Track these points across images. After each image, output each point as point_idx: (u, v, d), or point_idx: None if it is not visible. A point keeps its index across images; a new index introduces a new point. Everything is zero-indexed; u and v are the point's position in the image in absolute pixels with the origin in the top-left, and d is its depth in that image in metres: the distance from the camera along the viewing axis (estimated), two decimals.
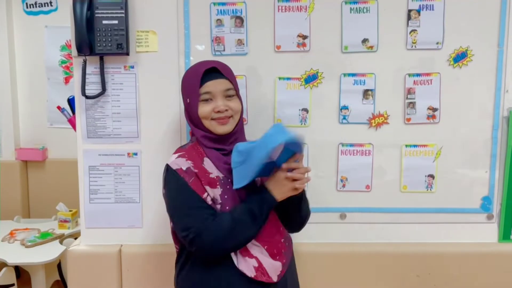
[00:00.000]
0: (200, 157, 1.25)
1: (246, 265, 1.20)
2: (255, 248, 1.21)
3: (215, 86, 1.23)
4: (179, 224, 1.22)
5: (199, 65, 1.27)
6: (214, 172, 1.23)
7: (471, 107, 1.54)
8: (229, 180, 1.22)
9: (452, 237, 1.59)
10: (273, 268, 1.22)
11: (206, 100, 1.23)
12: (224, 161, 1.25)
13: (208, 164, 1.24)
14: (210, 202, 1.20)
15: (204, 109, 1.22)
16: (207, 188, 1.21)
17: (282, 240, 1.27)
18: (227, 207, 1.21)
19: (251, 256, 1.20)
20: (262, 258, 1.21)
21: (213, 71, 1.24)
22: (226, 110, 1.22)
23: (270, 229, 1.24)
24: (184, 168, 1.21)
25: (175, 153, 1.27)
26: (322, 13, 1.51)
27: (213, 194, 1.21)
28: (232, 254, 1.20)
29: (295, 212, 1.28)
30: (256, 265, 1.20)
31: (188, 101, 1.26)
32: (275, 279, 1.22)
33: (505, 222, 1.58)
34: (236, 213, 1.18)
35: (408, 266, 1.58)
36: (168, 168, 1.23)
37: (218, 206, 1.21)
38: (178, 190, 1.21)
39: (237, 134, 1.28)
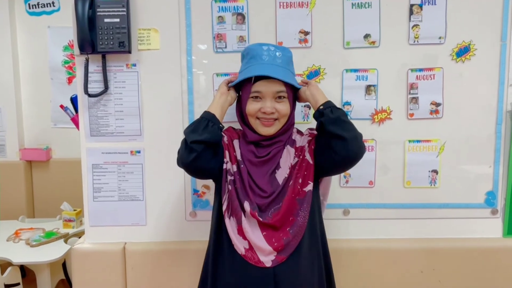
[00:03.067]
0: (236, 137, 1.31)
1: (238, 243, 1.22)
2: (252, 233, 1.21)
3: (267, 87, 1.21)
4: None
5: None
6: (238, 153, 1.28)
7: (474, 102, 1.53)
8: (245, 167, 1.25)
9: (456, 232, 1.58)
10: (264, 253, 1.20)
11: (256, 97, 1.23)
12: (251, 150, 1.27)
13: (236, 144, 1.30)
14: (225, 166, 1.26)
15: (251, 107, 1.23)
16: (227, 161, 1.27)
17: (288, 228, 1.22)
18: (236, 186, 1.23)
19: (245, 238, 1.22)
20: (256, 241, 1.20)
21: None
22: (272, 112, 1.22)
23: (281, 217, 1.22)
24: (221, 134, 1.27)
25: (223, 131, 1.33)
26: (323, 9, 1.50)
27: (230, 167, 1.26)
28: (229, 230, 1.23)
29: (329, 130, 1.18)
30: (247, 247, 1.21)
31: (241, 93, 1.28)
32: (267, 264, 1.20)
33: (509, 217, 1.57)
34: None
35: (412, 262, 1.57)
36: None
37: (230, 178, 1.25)
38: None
39: (280, 137, 1.28)
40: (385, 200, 1.58)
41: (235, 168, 1.26)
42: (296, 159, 1.27)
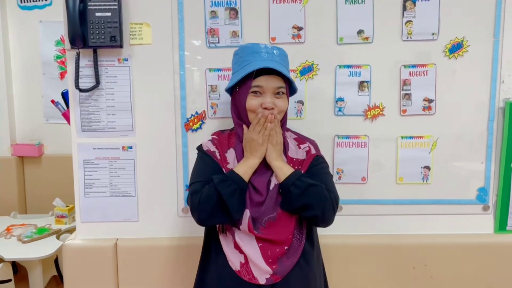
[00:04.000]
0: (228, 147, 1.28)
1: (233, 258, 1.21)
2: (249, 245, 1.20)
3: (268, 82, 1.20)
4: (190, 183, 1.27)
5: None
6: (232, 163, 1.25)
7: (466, 98, 1.54)
8: None
9: (448, 228, 1.59)
10: (260, 271, 1.19)
11: (255, 92, 1.21)
12: None
13: (230, 155, 1.26)
14: None
15: (252, 102, 1.21)
16: None
17: (286, 247, 1.21)
18: None
19: (241, 251, 1.20)
20: (253, 256, 1.19)
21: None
22: (273, 108, 1.21)
23: (276, 231, 1.20)
24: (212, 150, 1.27)
25: (212, 135, 1.34)
26: (317, 4, 1.50)
27: None
28: (224, 246, 1.22)
29: (292, 203, 1.19)
30: (243, 261, 1.20)
31: (237, 89, 1.25)
32: (261, 281, 1.18)
33: (501, 213, 1.58)
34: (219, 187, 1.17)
35: (404, 258, 1.58)
36: (199, 148, 1.30)
37: None
38: (202, 159, 1.28)
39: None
40: (377, 196, 1.58)
41: None
42: None
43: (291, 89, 1.28)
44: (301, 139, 1.34)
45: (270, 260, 1.19)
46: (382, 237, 1.59)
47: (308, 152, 1.29)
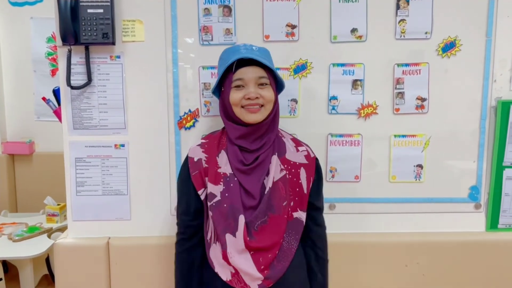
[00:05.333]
0: (219, 149, 1.26)
1: (222, 270, 1.22)
2: (240, 255, 1.19)
3: (248, 73, 1.19)
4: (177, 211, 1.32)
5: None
6: (223, 167, 1.23)
7: (459, 97, 1.54)
8: (235, 178, 1.21)
9: (440, 226, 1.60)
10: (251, 278, 1.19)
11: (238, 86, 1.20)
12: (239, 159, 1.23)
13: (222, 158, 1.24)
14: (203, 197, 1.24)
15: (235, 95, 1.20)
16: (209, 184, 1.23)
17: (277, 251, 1.22)
18: (225, 205, 1.20)
19: (229, 264, 1.20)
20: (244, 267, 1.18)
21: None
22: (257, 98, 1.19)
23: (267, 236, 1.20)
24: (195, 159, 1.25)
25: (202, 138, 1.34)
26: (311, 2, 1.49)
27: (213, 190, 1.22)
28: (212, 258, 1.24)
29: None
30: (233, 271, 1.20)
31: (223, 89, 1.24)
32: None
33: (492, 211, 1.59)
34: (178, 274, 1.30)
35: (397, 256, 1.58)
36: (188, 153, 1.29)
37: (216, 199, 1.21)
38: (181, 178, 1.29)
39: (268, 125, 1.24)
40: (370, 195, 1.59)
41: (221, 188, 1.21)
42: (285, 172, 1.24)
43: (278, 85, 1.27)
44: (297, 140, 1.34)
45: (262, 267, 1.19)
46: (374, 235, 1.59)
47: (307, 156, 1.29)
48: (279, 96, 1.31)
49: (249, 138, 1.23)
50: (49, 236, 2.39)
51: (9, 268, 2.71)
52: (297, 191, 1.25)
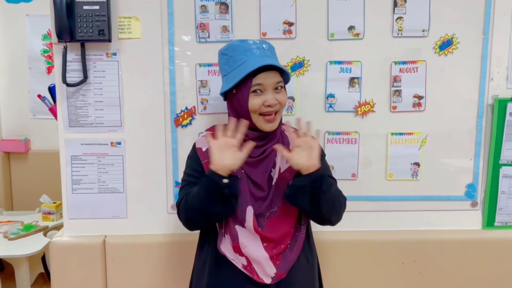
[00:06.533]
0: None
1: (236, 260, 1.19)
2: (254, 246, 1.17)
3: (267, 79, 1.16)
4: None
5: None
6: None
7: (456, 95, 1.54)
8: (242, 171, 1.19)
9: (437, 224, 1.60)
10: (264, 271, 1.17)
11: (255, 91, 1.16)
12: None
13: None
14: None
15: (255, 102, 1.15)
16: None
17: (289, 243, 1.20)
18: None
19: (242, 254, 1.18)
20: (258, 258, 1.16)
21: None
22: (276, 104, 1.17)
23: (278, 227, 1.19)
24: (203, 149, 1.23)
25: (206, 130, 1.30)
26: None
27: None
28: (224, 249, 1.19)
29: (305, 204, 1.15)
30: (245, 263, 1.18)
31: (234, 91, 1.18)
32: (267, 281, 1.16)
33: (489, 209, 1.60)
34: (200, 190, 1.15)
35: (393, 254, 1.59)
36: (194, 143, 1.27)
37: None
38: (191, 166, 1.25)
39: (275, 131, 1.23)
40: (367, 193, 1.59)
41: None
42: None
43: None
44: (298, 131, 1.29)
45: (274, 256, 1.18)
46: (371, 233, 1.59)
47: None
48: None
49: (261, 139, 1.22)
50: (45, 234, 2.38)
51: (5, 266, 2.70)
52: None
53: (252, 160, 1.20)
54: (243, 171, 1.19)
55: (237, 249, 1.18)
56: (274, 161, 1.22)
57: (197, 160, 1.23)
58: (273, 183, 1.20)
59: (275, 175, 1.20)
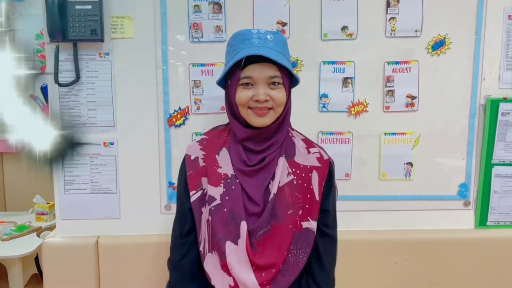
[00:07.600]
0: (220, 146, 1.15)
1: (221, 281, 1.09)
2: (242, 267, 1.07)
3: (259, 71, 1.04)
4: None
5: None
6: (224, 167, 1.11)
7: (449, 95, 1.55)
8: (237, 180, 1.10)
9: (430, 224, 1.61)
10: None
11: (246, 84, 1.05)
12: (242, 158, 1.11)
13: (223, 156, 1.13)
14: (193, 199, 1.13)
15: (242, 95, 1.05)
16: (209, 186, 1.11)
17: (281, 266, 1.10)
18: (225, 209, 1.09)
19: (230, 274, 1.08)
20: (244, 278, 1.07)
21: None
22: (267, 100, 1.05)
23: (270, 249, 1.09)
24: (192, 158, 1.15)
25: (204, 134, 1.22)
26: None
27: (212, 192, 1.11)
28: (209, 268, 1.11)
29: None
30: (232, 284, 1.08)
31: (229, 82, 1.10)
32: None
33: (481, 209, 1.60)
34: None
35: (387, 253, 1.59)
36: (185, 150, 1.19)
37: (215, 203, 1.10)
38: (179, 178, 1.20)
39: (276, 130, 1.11)
40: (361, 192, 1.59)
41: (220, 190, 1.09)
42: (292, 177, 1.11)
43: (292, 80, 1.12)
44: (309, 141, 1.20)
45: (264, 282, 1.08)
46: (364, 233, 1.60)
47: (319, 158, 1.15)
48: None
49: (256, 139, 1.11)
50: (38, 235, 2.37)
51: None
52: (308, 197, 1.12)
53: (248, 169, 1.10)
54: (237, 180, 1.10)
55: (225, 267, 1.09)
56: (274, 172, 1.10)
57: (184, 177, 1.15)
58: (270, 198, 1.08)
59: (273, 188, 1.08)
